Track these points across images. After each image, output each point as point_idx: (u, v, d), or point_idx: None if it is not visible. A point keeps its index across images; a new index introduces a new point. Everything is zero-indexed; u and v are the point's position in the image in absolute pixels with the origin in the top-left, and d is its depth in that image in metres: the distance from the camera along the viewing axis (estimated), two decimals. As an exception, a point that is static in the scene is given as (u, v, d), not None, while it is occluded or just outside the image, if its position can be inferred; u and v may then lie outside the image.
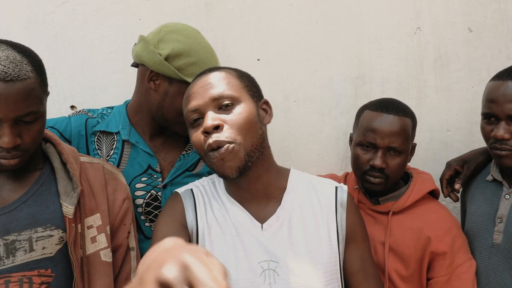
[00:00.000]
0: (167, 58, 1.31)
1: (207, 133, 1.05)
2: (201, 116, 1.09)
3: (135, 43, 1.41)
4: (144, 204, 1.39)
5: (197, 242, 1.14)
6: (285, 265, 1.09)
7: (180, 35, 1.34)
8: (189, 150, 1.45)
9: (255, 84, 1.18)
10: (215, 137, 1.04)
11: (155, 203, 1.40)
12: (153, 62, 1.32)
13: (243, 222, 1.13)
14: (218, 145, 1.04)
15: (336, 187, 1.20)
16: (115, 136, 1.42)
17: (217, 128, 1.05)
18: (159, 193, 1.40)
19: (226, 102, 1.07)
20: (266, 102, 1.18)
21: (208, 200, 1.18)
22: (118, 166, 1.40)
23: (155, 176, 1.40)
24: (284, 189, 1.18)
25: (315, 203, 1.17)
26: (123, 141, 1.42)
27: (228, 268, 1.09)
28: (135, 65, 1.43)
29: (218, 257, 1.10)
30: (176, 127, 1.40)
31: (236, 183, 1.14)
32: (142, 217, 1.41)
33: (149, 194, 1.39)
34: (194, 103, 1.09)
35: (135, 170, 1.40)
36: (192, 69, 1.32)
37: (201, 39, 1.38)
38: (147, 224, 1.41)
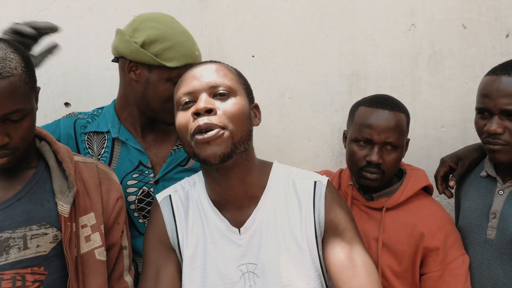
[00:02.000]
0: (143, 45, 1.31)
1: (198, 114, 1.03)
2: (193, 100, 1.07)
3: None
4: (136, 201, 1.39)
5: (179, 251, 1.15)
6: (264, 267, 1.09)
7: (154, 22, 1.34)
8: (181, 145, 1.45)
9: (249, 87, 1.18)
10: (206, 119, 1.02)
11: (148, 199, 1.40)
12: (130, 51, 1.32)
13: (221, 228, 1.13)
14: (208, 127, 1.02)
15: (315, 182, 1.18)
16: (106, 135, 1.43)
17: (209, 112, 1.03)
18: (151, 189, 1.40)
19: (223, 91, 1.07)
20: (257, 106, 1.18)
21: (187, 206, 1.18)
22: (109, 164, 1.40)
23: (146, 172, 1.40)
24: (263, 188, 1.17)
25: (293, 201, 1.16)
26: (113, 139, 1.43)
27: (207, 275, 1.10)
28: (115, 60, 1.43)
29: (197, 265, 1.12)
30: (164, 115, 1.39)
31: (217, 183, 1.12)
32: (135, 214, 1.41)
33: (141, 190, 1.39)
34: (190, 85, 1.08)
35: (126, 167, 1.40)
36: (169, 53, 1.32)
37: (176, 24, 1.38)
38: (140, 220, 1.41)
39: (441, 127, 1.85)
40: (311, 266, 1.11)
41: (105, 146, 1.42)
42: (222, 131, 1.02)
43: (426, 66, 1.82)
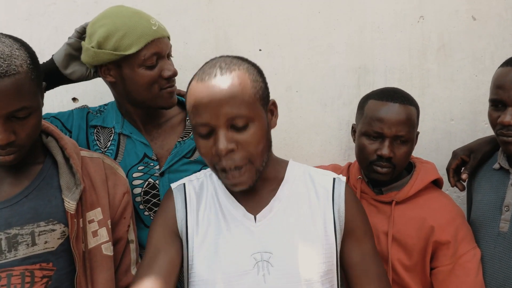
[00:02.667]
0: (100, 46, 1.31)
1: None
2: (211, 129, 1.02)
3: None
4: (142, 193, 1.40)
5: (187, 241, 1.13)
6: (279, 256, 1.08)
7: (102, 19, 1.33)
8: (185, 137, 1.46)
9: (266, 84, 1.11)
10: (229, 159, 1.02)
11: (154, 191, 1.40)
12: (93, 58, 1.33)
13: (236, 215, 1.12)
14: (234, 167, 1.03)
15: (334, 178, 1.19)
16: (112, 129, 1.45)
17: (231, 151, 1.01)
18: (157, 181, 1.41)
19: (241, 123, 1.01)
20: (274, 103, 1.14)
21: (201, 195, 1.18)
22: (115, 157, 1.42)
23: (152, 164, 1.41)
24: (281, 180, 1.17)
25: (312, 194, 1.16)
26: (119, 134, 1.44)
27: (219, 263, 1.09)
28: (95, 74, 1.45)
29: (207, 254, 1.11)
30: (156, 102, 1.38)
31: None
32: (141, 206, 1.41)
33: (147, 182, 1.40)
34: (205, 118, 1.01)
35: (131, 160, 1.41)
36: (125, 41, 1.30)
37: (124, 10, 1.35)
38: (146, 213, 1.42)
39: (450, 120, 1.83)
40: (327, 260, 1.11)
41: (111, 139, 1.44)
42: (247, 167, 1.04)
43: (435, 59, 1.80)
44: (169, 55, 1.40)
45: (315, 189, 1.17)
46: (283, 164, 1.21)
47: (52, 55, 1.41)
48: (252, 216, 1.12)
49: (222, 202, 1.15)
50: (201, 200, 1.17)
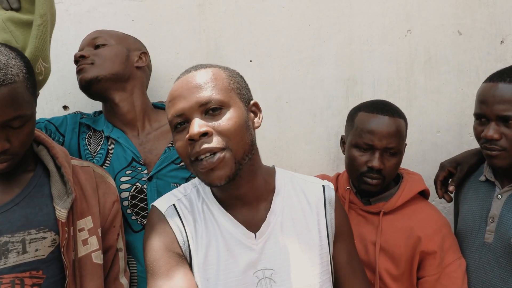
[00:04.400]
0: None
1: (193, 140, 0.98)
2: (186, 120, 1.01)
3: None
4: (130, 197, 1.40)
5: (190, 261, 1.07)
6: (281, 271, 1.07)
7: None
8: None
9: (245, 84, 1.11)
10: (204, 144, 0.97)
11: (141, 196, 1.41)
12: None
13: (235, 234, 1.08)
14: (207, 151, 0.98)
15: (323, 186, 1.19)
16: (102, 133, 1.47)
17: (205, 135, 0.98)
18: (145, 186, 1.41)
19: (214, 106, 0.99)
20: (256, 104, 1.12)
21: (193, 212, 1.11)
22: (104, 161, 1.43)
23: (140, 168, 1.42)
24: (273, 190, 1.15)
25: (304, 203, 1.15)
26: (107, 138, 1.46)
27: (222, 283, 1.04)
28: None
29: (210, 275, 1.05)
30: (107, 96, 1.45)
31: (223, 188, 1.08)
32: (128, 211, 1.42)
33: (135, 187, 1.41)
34: (179, 106, 1.01)
35: (119, 164, 1.42)
36: (33, 44, 1.16)
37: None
38: (133, 217, 1.42)
39: (436, 131, 1.86)
40: (324, 268, 1.12)
41: (101, 143, 1.45)
42: (223, 154, 0.98)
43: (421, 72, 1.83)
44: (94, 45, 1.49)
45: (307, 199, 1.16)
46: (271, 172, 1.18)
47: None
48: (253, 234, 1.08)
49: (219, 221, 1.09)
50: (195, 217, 1.10)
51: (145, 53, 1.53)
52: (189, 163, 1.03)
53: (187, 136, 0.98)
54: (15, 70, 1.01)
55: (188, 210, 1.11)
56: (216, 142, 0.98)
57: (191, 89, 1.01)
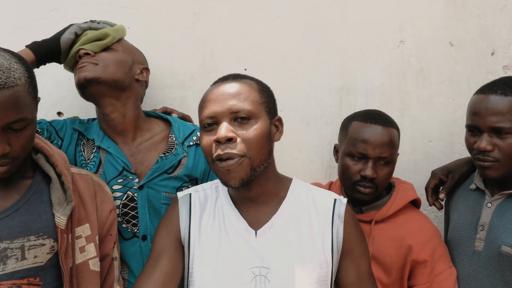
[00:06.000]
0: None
1: (219, 142, 1.07)
2: (215, 122, 1.10)
3: None
4: (121, 205, 1.41)
5: (188, 249, 1.17)
6: (276, 272, 1.11)
7: None
8: (168, 153, 1.47)
9: (273, 100, 1.20)
10: (226, 149, 1.06)
11: (132, 204, 1.41)
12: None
13: (238, 228, 1.16)
14: (228, 157, 1.06)
15: (335, 199, 1.21)
16: (94, 141, 1.47)
17: (230, 140, 1.06)
18: (136, 194, 1.41)
19: (243, 116, 1.09)
20: (279, 119, 1.20)
21: (205, 205, 1.22)
22: (97, 169, 1.43)
23: (130, 177, 1.42)
24: (283, 197, 1.20)
25: (312, 212, 1.18)
26: (98, 147, 1.46)
27: (219, 272, 1.12)
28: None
29: (207, 263, 1.14)
30: (100, 101, 1.43)
31: (237, 188, 1.15)
32: (119, 219, 1.41)
33: (126, 195, 1.41)
34: (212, 109, 1.10)
35: (111, 172, 1.42)
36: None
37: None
38: (124, 225, 1.42)
39: (428, 141, 1.88)
40: (323, 279, 1.13)
41: (93, 152, 1.45)
42: (241, 159, 1.07)
43: (414, 82, 1.86)
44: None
45: (316, 208, 1.19)
46: (287, 181, 1.24)
47: (57, 36, 1.43)
48: (253, 231, 1.15)
49: (226, 214, 1.19)
50: (205, 210, 1.21)
51: (147, 69, 1.54)
52: (211, 160, 1.12)
53: (215, 137, 1.07)
54: (17, 73, 1.02)
55: (201, 203, 1.23)
56: (238, 149, 1.07)
57: (226, 96, 1.10)
